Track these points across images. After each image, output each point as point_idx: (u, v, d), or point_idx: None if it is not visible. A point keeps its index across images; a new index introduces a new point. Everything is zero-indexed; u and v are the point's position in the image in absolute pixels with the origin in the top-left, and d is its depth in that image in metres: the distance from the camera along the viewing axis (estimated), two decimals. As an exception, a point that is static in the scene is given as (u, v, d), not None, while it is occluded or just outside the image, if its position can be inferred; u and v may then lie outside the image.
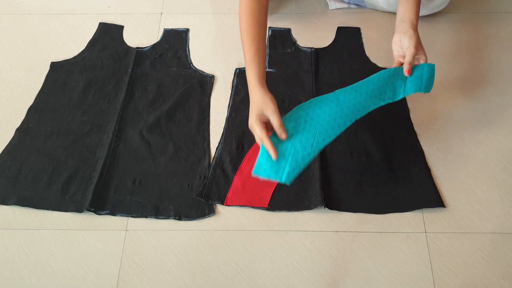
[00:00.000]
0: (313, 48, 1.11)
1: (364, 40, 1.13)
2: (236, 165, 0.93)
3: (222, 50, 1.13)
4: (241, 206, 0.89)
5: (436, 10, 1.14)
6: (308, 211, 0.87)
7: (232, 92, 1.05)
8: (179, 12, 1.22)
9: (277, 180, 0.77)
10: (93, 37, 1.16)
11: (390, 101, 0.86)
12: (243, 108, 1.01)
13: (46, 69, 1.10)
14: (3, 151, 0.96)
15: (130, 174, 0.93)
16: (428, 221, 0.86)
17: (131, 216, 0.88)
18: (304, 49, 1.11)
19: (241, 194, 0.89)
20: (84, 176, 0.92)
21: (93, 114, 1.01)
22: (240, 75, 1.07)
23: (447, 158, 0.93)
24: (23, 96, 1.05)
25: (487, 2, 1.20)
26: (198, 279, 0.81)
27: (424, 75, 0.87)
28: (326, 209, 0.86)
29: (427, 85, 0.87)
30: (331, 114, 0.82)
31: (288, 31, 1.15)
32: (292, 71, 1.07)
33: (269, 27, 1.15)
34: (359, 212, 0.87)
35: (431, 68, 0.88)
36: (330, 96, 0.84)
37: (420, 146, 0.95)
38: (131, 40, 1.15)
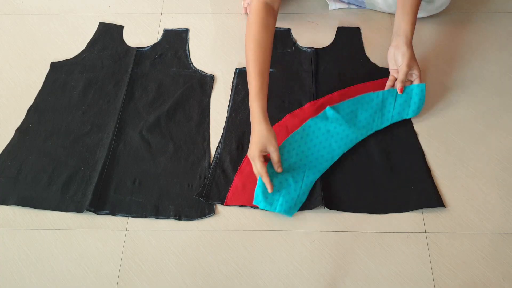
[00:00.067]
0: (313, 48, 1.11)
1: (364, 40, 1.13)
2: (236, 165, 0.93)
3: (222, 50, 1.13)
4: (241, 206, 0.88)
5: (436, 12, 1.14)
6: (308, 211, 0.87)
7: (232, 92, 1.05)
8: (179, 12, 1.22)
9: (272, 211, 0.85)
10: (93, 37, 1.16)
11: (377, 129, 0.96)
12: (243, 108, 1.01)
13: (46, 69, 1.10)
14: (3, 151, 0.96)
15: (130, 174, 0.93)
16: (428, 221, 0.86)
17: (131, 216, 0.88)
18: (304, 49, 1.11)
19: (241, 194, 0.89)
20: (84, 176, 0.92)
21: (93, 114, 1.01)
22: (240, 75, 1.07)
23: (447, 158, 0.93)
24: (23, 96, 1.05)
25: (487, 2, 1.20)
26: (198, 279, 0.81)
27: (413, 98, 0.97)
28: (326, 209, 0.86)
29: (415, 109, 0.97)
30: (320, 149, 0.92)
31: (288, 31, 1.15)
32: (292, 71, 1.07)
33: (269, 27, 1.15)
34: (359, 212, 0.87)
35: (421, 89, 0.94)
36: (321, 124, 0.93)
37: (420, 146, 0.95)
38: (131, 40, 1.16)
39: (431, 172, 0.91)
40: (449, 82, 1.04)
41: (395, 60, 0.96)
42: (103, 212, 0.88)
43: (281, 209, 0.85)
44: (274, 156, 0.86)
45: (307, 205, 0.87)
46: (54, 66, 1.10)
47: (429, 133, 0.97)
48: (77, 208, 0.88)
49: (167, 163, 0.94)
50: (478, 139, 0.96)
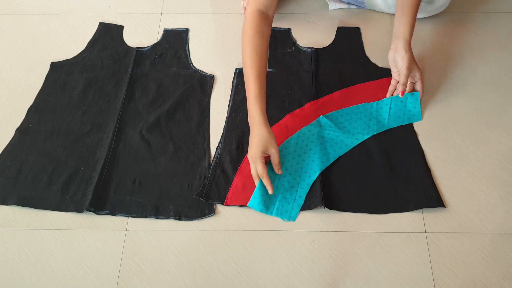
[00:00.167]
0: (313, 48, 1.11)
1: (364, 40, 1.13)
2: (236, 165, 0.93)
3: (222, 50, 1.13)
4: (241, 206, 0.88)
5: (436, 12, 1.14)
6: (308, 211, 0.87)
7: (232, 92, 1.05)
8: (179, 12, 1.22)
9: (269, 215, 0.86)
10: (93, 37, 1.16)
11: (373, 134, 0.96)
12: (243, 108, 1.01)
13: (46, 69, 1.10)
14: (3, 151, 0.96)
15: (130, 174, 0.93)
16: (428, 221, 0.86)
17: (131, 216, 0.88)
18: (304, 49, 1.11)
19: (241, 194, 0.89)
20: (84, 176, 0.92)
21: (93, 114, 1.01)
22: (240, 75, 1.07)
23: (447, 158, 0.93)
24: (23, 96, 1.05)
25: (487, 2, 1.20)
26: (198, 279, 0.81)
27: (407, 106, 0.98)
28: (326, 209, 0.86)
29: (410, 116, 0.98)
30: (315, 152, 0.92)
31: (288, 31, 1.15)
32: (292, 71, 1.07)
33: (269, 27, 1.15)
34: (359, 212, 0.87)
35: (415, 98, 0.96)
36: (315, 131, 0.95)
37: (420, 146, 0.95)
38: (131, 40, 1.16)
39: (431, 172, 0.91)
40: (449, 82, 1.04)
41: (395, 63, 0.97)
42: (103, 212, 0.88)
43: (277, 213, 0.86)
44: (275, 158, 0.86)
45: (307, 205, 0.87)
46: (54, 66, 1.10)
47: (429, 133, 0.97)
48: (77, 208, 0.88)
49: (167, 163, 0.94)
50: (478, 139, 0.96)
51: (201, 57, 1.12)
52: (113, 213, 0.88)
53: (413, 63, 0.95)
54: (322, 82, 1.05)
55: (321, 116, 0.97)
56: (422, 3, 1.02)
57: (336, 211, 0.87)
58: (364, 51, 1.11)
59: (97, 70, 1.09)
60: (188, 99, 1.03)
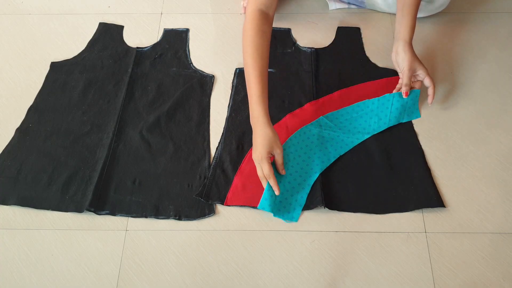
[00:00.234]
0: (313, 48, 1.11)
1: (364, 40, 1.13)
2: (236, 165, 0.93)
3: (222, 50, 1.13)
4: (241, 206, 0.88)
5: (436, 11, 1.14)
6: (308, 211, 0.87)
7: (232, 92, 1.05)
8: (179, 12, 1.22)
9: (276, 216, 0.86)
10: (93, 37, 1.16)
11: (374, 133, 0.96)
12: (243, 108, 1.01)
13: (46, 69, 1.10)
14: (3, 151, 0.96)
15: (130, 174, 0.93)
16: (428, 221, 0.86)
17: (131, 216, 0.88)
18: (304, 49, 1.11)
19: (241, 194, 0.89)
20: (84, 176, 0.92)
21: (93, 114, 1.01)
22: (240, 75, 1.07)
23: (447, 158, 0.93)
24: (23, 96, 1.05)
25: (487, 2, 1.20)
26: (198, 279, 0.81)
27: (408, 103, 0.98)
28: (326, 209, 0.86)
29: (410, 113, 0.98)
30: (316, 152, 0.93)
31: (288, 31, 1.15)
32: (292, 71, 1.07)
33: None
34: (359, 212, 0.87)
35: (415, 94, 0.98)
36: (315, 131, 0.95)
37: (420, 146, 0.95)
38: (131, 40, 1.16)
39: (431, 172, 0.91)
40: (449, 82, 1.04)
41: (398, 65, 0.97)
42: (103, 212, 0.88)
43: (279, 213, 0.86)
44: (279, 158, 0.86)
45: (307, 205, 0.87)
46: (54, 66, 1.10)
47: (429, 133, 0.97)
48: (77, 208, 0.88)
49: (167, 163, 0.94)
50: (478, 139, 0.96)
51: (201, 57, 1.12)
52: (113, 213, 0.88)
53: (414, 62, 0.94)
54: (322, 82, 1.05)
55: (321, 117, 0.97)
56: (422, 2, 1.02)
57: (336, 211, 0.87)
58: (364, 51, 1.11)
59: (97, 70, 1.09)
60: (188, 99, 1.03)
